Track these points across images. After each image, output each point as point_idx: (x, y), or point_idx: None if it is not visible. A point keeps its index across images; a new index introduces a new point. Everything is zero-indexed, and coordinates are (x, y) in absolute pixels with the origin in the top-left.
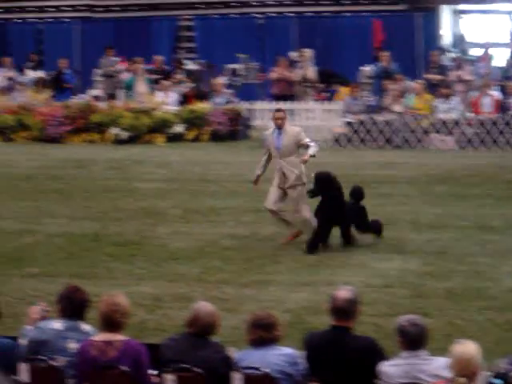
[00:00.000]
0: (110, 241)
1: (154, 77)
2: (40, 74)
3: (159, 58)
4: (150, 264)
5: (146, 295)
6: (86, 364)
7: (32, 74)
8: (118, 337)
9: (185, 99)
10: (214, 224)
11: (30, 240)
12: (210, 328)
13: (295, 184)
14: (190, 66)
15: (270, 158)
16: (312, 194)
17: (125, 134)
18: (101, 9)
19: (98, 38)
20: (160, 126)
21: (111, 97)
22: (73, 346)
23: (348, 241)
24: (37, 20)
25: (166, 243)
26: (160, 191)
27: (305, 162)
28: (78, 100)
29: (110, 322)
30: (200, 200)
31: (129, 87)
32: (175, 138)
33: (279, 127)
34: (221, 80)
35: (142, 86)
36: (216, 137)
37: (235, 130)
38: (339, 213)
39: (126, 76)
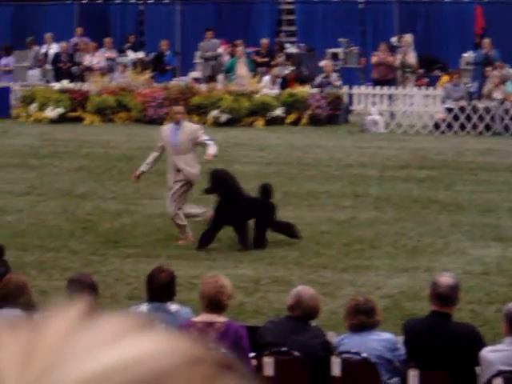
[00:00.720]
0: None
1: (257, 59)
2: (140, 55)
3: (264, 40)
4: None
5: (244, 278)
6: None
7: (132, 55)
8: (220, 318)
9: (285, 82)
10: (312, 208)
11: (128, 220)
12: (313, 312)
13: (184, 181)
14: (291, 49)
15: (160, 155)
16: (207, 191)
17: (224, 117)
18: None
19: (198, 20)
20: (260, 109)
21: (211, 79)
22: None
23: (259, 241)
24: (137, 1)
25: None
26: (259, 174)
27: (208, 161)
28: (178, 82)
29: (214, 303)
30: (299, 184)
31: (229, 70)
32: (274, 122)
33: (177, 122)
34: (328, 62)
35: (242, 69)
36: (315, 121)
37: (335, 114)
38: (236, 210)
39: (226, 59)
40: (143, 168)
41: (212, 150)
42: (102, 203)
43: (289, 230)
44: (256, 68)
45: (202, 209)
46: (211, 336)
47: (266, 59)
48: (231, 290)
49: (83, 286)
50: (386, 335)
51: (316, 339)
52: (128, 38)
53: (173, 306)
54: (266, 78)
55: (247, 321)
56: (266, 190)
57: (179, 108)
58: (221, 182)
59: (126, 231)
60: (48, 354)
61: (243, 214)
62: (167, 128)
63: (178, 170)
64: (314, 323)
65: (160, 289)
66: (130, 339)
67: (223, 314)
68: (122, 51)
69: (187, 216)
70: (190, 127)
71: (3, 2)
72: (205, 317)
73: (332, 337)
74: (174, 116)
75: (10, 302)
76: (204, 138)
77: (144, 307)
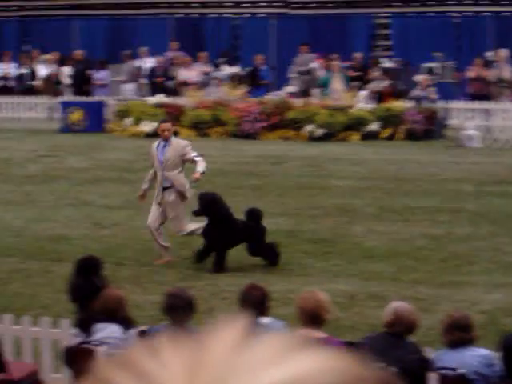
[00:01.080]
0: (305, 238)
1: (352, 74)
2: (236, 69)
3: (358, 54)
4: (344, 262)
5: (340, 293)
6: None
7: (228, 70)
8: (319, 333)
9: (381, 97)
10: (408, 223)
11: None
12: (411, 328)
13: (175, 200)
14: (386, 64)
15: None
16: (195, 214)
17: (320, 131)
18: (297, 5)
19: (293, 35)
20: (355, 124)
21: (306, 94)
22: None
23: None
24: (233, 15)
25: (361, 241)
26: (354, 189)
27: (196, 180)
28: (273, 96)
29: (313, 318)
30: (394, 199)
31: (324, 84)
32: (370, 136)
33: (165, 139)
34: (424, 76)
35: (337, 84)
36: (411, 135)
37: (431, 128)
38: (227, 233)
39: (321, 73)
40: (144, 186)
41: (200, 167)
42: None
43: (272, 256)
44: (350, 82)
45: (200, 224)
46: None
47: (359, 73)
48: (330, 304)
49: (181, 301)
50: (483, 351)
51: (413, 355)
52: (223, 52)
53: (265, 320)
54: (363, 93)
55: (343, 336)
56: (253, 214)
57: (167, 125)
58: (209, 205)
59: None
60: (213, 370)
61: (232, 237)
62: (156, 144)
63: (165, 188)
64: (410, 339)
65: (253, 306)
66: (294, 358)
67: (322, 328)
68: (217, 65)
69: (190, 234)
70: (178, 143)
71: (97, 15)
72: (303, 331)
73: (429, 353)
74: (162, 133)
75: (109, 316)
76: (192, 154)
77: None
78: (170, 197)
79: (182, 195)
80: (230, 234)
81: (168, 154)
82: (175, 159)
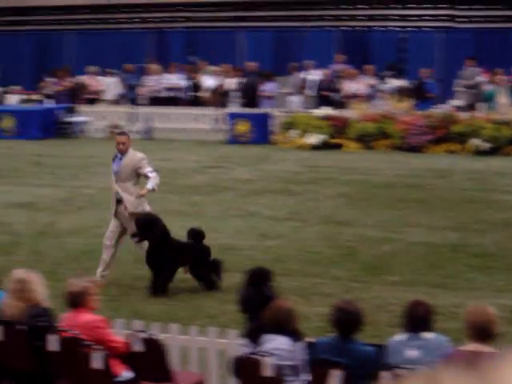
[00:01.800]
0: (470, 252)
1: None
2: (402, 82)
3: None
4: (510, 276)
5: (505, 307)
6: None
7: (394, 83)
8: (487, 348)
9: None
10: None
11: (389, 248)
12: None
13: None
14: None
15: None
16: (133, 236)
17: (486, 146)
18: (463, 19)
19: (459, 48)
20: None
21: (472, 107)
22: (411, 353)
23: (209, 285)
24: (399, 28)
25: None
26: None
27: (141, 196)
28: (439, 110)
29: (482, 332)
30: None
31: (490, 98)
32: None
33: (121, 152)
34: None
35: (503, 97)
36: None
37: None
38: (166, 255)
39: (487, 87)
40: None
41: (150, 184)
42: (362, 230)
43: (213, 279)
44: None
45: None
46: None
47: None
48: (497, 319)
49: (349, 314)
50: None
51: None
52: (389, 65)
53: (428, 335)
54: None
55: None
56: (196, 234)
57: (122, 138)
58: (147, 228)
59: (386, 258)
60: None
61: (172, 258)
62: (113, 157)
63: (119, 201)
64: None
65: (417, 321)
66: None
67: (492, 343)
68: (382, 78)
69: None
70: (134, 155)
71: (264, 27)
72: (472, 346)
73: None
74: (117, 146)
75: (278, 327)
76: (146, 169)
77: (401, 336)
78: (123, 209)
79: (135, 207)
80: (170, 256)
81: (122, 165)
82: (129, 171)
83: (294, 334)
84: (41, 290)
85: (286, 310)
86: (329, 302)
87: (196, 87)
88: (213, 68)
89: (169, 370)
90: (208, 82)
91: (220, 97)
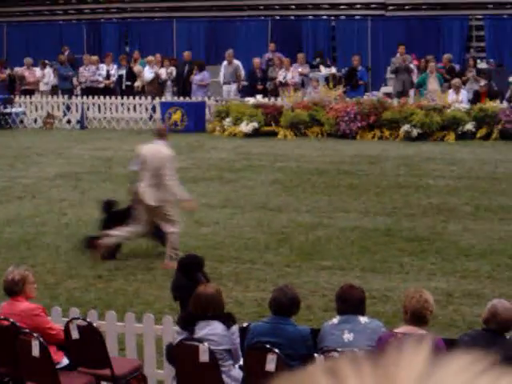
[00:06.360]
0: (402, 236)
1: (444, 75)
2: (333, 70)
3: (446, 55)
4: (441, 260)
5: (437, 290)
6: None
7: (325, 71)
8: (420, 331)
9: (476, 97)
10: (504, 222)
11: (322, 233)
12: (506, 325)
13: None
14: (481, 64)
15: None
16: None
17: (416, 131)
18: (393, 7)
19: (389, 36)
20: (450, 124)
21: (403, 94)
22: (345, 336)
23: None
24: (330, 17)
25: (457, 240)
26: (450, 188)
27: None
28: (370, 97)
29: (418, 316)
30: (490, 198)
31: (420, 85)
32: (465, 136)
33: None
34: None
35: (433, 84)
36: (506, 135)
37: None
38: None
39: (418, 74)
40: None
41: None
42: (296, 216)
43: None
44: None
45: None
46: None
47: (447, 74)
48: (433, 304)
49: (286, 298)
50: None
51: (511, 352)
52: (318, 53)
53: (362, 318)
54: (464, 92)
55: (440, 333)
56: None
57: None
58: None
59: (320, 243)
60: None
61: None
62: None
63: None
64: (509, 336)
65: (350, 305)
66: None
67: (425, 327)
68: (314, 66)
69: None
70: None
71: (196, 18)
72: (405, 328)
73: None
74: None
75: (203, 313)
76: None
77: (335, 320)
78: None
79: None
80: None
81: None
82: None
83: (228, 319)
84: None
85: (209, 296)
86: (263, 288)
87: (131, 77)
88: (148, 58)
89: (106, 357)
90: (144, 72)
91: (155, 86)
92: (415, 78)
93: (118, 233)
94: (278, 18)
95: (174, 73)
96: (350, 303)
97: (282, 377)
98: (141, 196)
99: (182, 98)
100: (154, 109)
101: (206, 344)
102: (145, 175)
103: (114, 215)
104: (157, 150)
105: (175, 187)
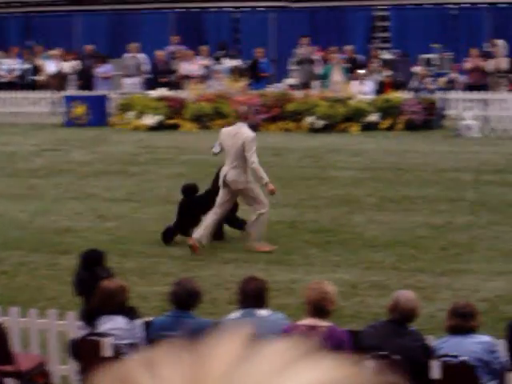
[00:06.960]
0: (307, 228)
1: (348, 66)
2: (236, 62)
3: (349, 47)
4: (346, 251)
5: (342, 282)
6: None
7: (228, 63)
8: (323, 323)
9: (381, 88)
10: (408, 213)
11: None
12: (410, 315)
13: None
14: (385, 55)
15: None
16: None
17: (320, 123)
18: None
19: (293, 28)
20: (355, 115)
21: (306, 86)
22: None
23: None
24: (233, 9)
25: (361, 231)
26: (355, 179)
27: None
28: (273, 89)
29: (319, 308)
30: (394, 189)
31: (324, 76)
32: (370, 127)
33: None
34: (423, 68)
35: (337, 75)
36: (410, 126)
37: (429, 119)
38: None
39: (321, 65)
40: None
41: None
42: None
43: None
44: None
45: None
46: (315, 339)
47: (350, 65)
48: (335, 296)
49: (187, 291)
50: (485, 338)
51: (415, 343)
52: (222, 45)
53: (263, 312)
54: (355, 84)
55: (346, 325)
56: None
57: None
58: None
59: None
60: None
61: None
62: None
63: None
64: (412, 327)
65: (251, 297)
66: (301, 368)
67: (328, 319)
68: (217, 59)
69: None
70: None
71: (99, 10)
72: (308, 321)
73: (431, 340)
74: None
75: (106, 307)
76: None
77: (236, 314)
78: None
79: None
80: None
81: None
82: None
83: (130, 313)
84: None
85: (111, 290)
86: (168, 281)
87: (35, 71)
88: (51, 52)
89: (10, 353)
90: (47, 65)
91: (58, 80)
92: (319, 70)
93: (204, 225)
94: (181, 10)
95: (79, 66)
96: (250, 296)
97: (103, 370)
98: (226, 179)
99: (85, 92)
100: (56, 103)
101: (109, 338)
102: (227, 157)
103: (195, 200)
104: (237, 131)
105: (260, 170)
